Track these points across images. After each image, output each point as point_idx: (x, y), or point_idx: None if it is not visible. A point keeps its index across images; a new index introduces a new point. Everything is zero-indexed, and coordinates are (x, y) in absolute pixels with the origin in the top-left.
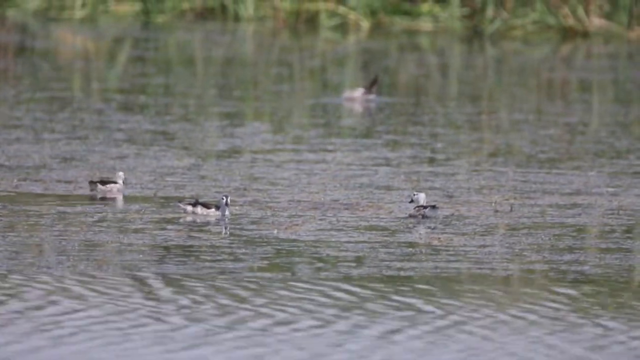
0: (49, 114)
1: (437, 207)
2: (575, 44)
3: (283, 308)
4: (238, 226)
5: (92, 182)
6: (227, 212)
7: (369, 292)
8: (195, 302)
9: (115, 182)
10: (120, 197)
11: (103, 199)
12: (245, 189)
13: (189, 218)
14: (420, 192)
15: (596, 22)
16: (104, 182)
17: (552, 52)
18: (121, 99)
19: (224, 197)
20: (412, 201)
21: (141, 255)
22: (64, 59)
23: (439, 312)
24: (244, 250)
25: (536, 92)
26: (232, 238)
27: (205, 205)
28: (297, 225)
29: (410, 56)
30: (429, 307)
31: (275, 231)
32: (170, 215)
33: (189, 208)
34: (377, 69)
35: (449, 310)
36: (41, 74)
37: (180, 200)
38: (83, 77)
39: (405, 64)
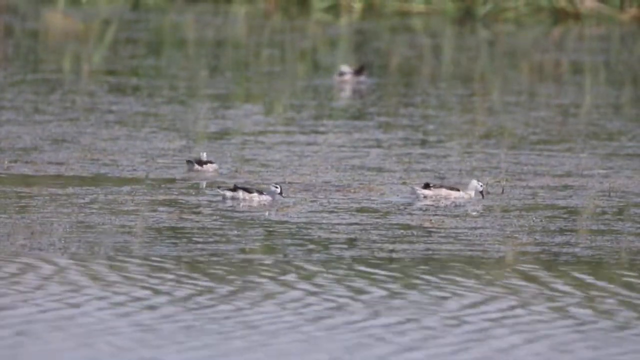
0: (40, 95)
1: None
2: (567, 25)
3: (274, 288)
4: (229, 208)
5: (189, 162)
6: (274, 197)
7: (360, 273)
8: (186, 283)
9: (212, 162)
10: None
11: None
12: (236, 171)
13: (229, 203)
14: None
15: (588, 3)
16: (201, 162)
17: (544, 34)
18: (112, 81)
19: (277, 186)
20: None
21: (133, 237)
22: (55, 41)
23: (430, 293)
24: (235, 232)
25: (528, 74)
26: (223, 220)
27: (247, 190)
28: (288, 207)
29: (402, 38)
30: (421, 289)
31: (267, 213)
32: (162, 197)
33: (228, 193)
34: (369, 52)
35: (441, 292)
36: (32, 55)
37: (219, 185)
38: (74, 59)
39: (397, 45)
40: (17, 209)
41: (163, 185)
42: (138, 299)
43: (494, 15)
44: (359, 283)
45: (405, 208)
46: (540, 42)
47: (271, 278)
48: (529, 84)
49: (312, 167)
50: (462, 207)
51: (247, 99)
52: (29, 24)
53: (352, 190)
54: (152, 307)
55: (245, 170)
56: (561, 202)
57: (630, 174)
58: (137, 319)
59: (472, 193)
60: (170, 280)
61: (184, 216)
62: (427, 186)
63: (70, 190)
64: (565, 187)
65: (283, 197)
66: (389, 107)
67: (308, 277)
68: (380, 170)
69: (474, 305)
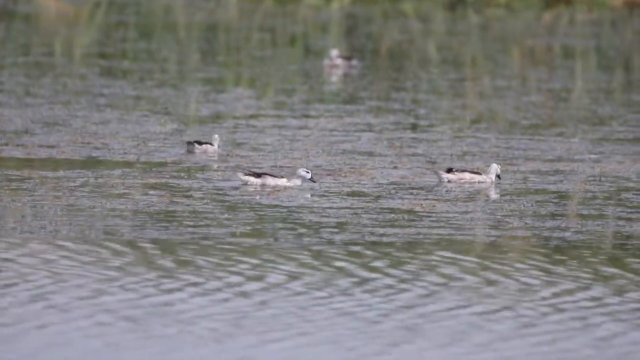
0: (32, 78)
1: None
2: (558, 10)
3: (265, 273)
4: (220, 191)
5: (189, 143)
6: (299, 182)
7: (351, 257)
8: (176, 266)
9: (210, 144)
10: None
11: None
12: (228, 155)
13: (254, 188)
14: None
15: None
16: (200, 143)
17: (535, 18)
18: (104, 64)
19: (308, 171)
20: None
21: (123, 220)
22: (46, 24)
23: (421, 276)
24: (226, 216)
25: (519, 59)
26: (214, 204)
27: (274, 176)
28: (279, 190)
29: (394, 23)
30: (411, 273)
31: (258, 197)
32: (153, 181)
33: (253, 179)
34: (360, 37)
35: (432, 276)
36: (23, 39)
37: (241, 171)
38: (65, 42)
39: (388, 30)
40: (7, 191)
41: (154, 169)
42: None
43: (485, 0)
44: (352, 267)
45: (397, 192)
46: (532, 26)
47: (264, 261)
48: (520, 69)
49: (303, 151)
50: (453, 191)
51: (239, 82)
52: (20, 7)
53: (343, 174)
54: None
55: (236, 154)
56: (552, 187)
57: (620, 159)
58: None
59: (493, 176)
60: (163, 261)
61: (175, 199)
62: (450, 170)
63: (61, 173)
64: (556, 171)
65: (314, 182)
66: (380, 91)
67: (299, 259)
68: (371, 154)
69: (464, 288)
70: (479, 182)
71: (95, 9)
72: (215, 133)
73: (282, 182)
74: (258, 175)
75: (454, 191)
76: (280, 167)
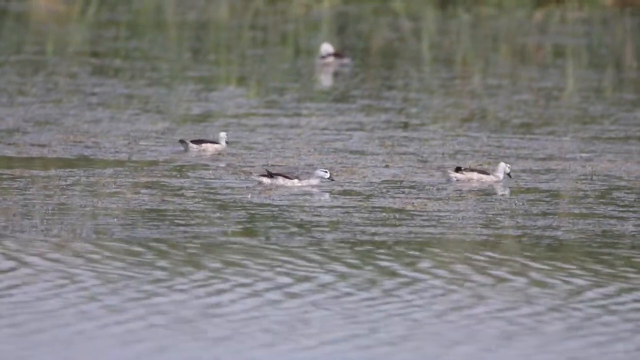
0: (23, 77)
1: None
2: (549, 9)
3: (258, 272)
4: (212, 190)
5: (182, 141)
6: (316, 182)
7: (342, 256)
8: (169, 265)
9: (214, 142)
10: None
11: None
12: (219, 154)
13: (269, 188)
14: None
15: None
16: (199, 142)
17: (526, 17)
18: (95, 63)
19: (326, 170)
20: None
21: (115, 219)
22: (37, 23)
23: (413, 276)
24: (218, 215)
25: (510, 57)
26: (206, 202)
27: (286, 176)
28: (270, 189)
29: (385, 21)
30: (403, 271)
31: (249, 195)
32: (144, 180)
33: (265, 179)
34: (351, 35)
35: (423, 274)
36: (15, 37)
37: (251, 173)
38: (57, 41)
39: (379, 28)
40: None
41: (146, 168)
42: (118, 279)
43: None
44: (344, 266)
45: (388, 191)
46: (523, 25)
47: (256, 260)
48: (511, 67)
49: (295, 150)
50: (445, 190)
51: (230, 81)
52: (11, 5)
53: (335, 173)
54: (134, 284)
55: (228, 153)
56: (543, 186)
57: (612, 158)
58: (117, 299)
59: (501, 175)
60: (155, 261)
61: (167, 198)
62: (458, 169)
63: (52, 172)
64: (548, 170)
65: (332, 181)
66: (372, 90)
67: (290, 258)
68: (362, 153)
69: (455, 288)
70: (485, 181)
71: (86, 7)
72: (221, 131)
73: (294, 182)
74: (271, 176)
75: (446, 190)
76: (272, 165)
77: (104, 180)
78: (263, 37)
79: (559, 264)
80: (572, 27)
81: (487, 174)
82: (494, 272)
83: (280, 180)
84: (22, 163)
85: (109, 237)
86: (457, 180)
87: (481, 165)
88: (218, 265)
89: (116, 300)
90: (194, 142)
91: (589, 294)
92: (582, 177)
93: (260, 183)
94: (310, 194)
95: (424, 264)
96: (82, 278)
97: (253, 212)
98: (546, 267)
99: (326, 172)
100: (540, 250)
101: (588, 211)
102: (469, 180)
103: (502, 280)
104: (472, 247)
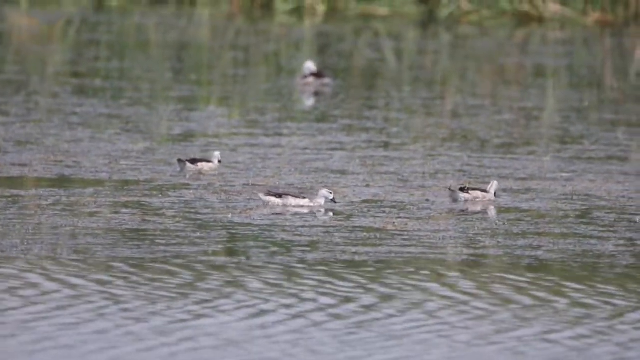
0: (4, 96)
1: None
2: (530, 29)
3: (237, 292)
4: (192, 210)
5: (180, 161)
6: (322, 202)
7: (323, 276)
8: (149, 285)
9: (208, 161)
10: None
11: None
12: (200, 173)
13: (278, 209)
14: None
15: (551, 7)
16: (194, 161)
17: (507, 37)
18: (76, 83)
19: (331, 192)
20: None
21: (95, 239)
22: (18, 42)
23: (392, 296)
24: (198, 234)
25: (491, 77)
26: (186, 222)
27: (295, 196)
28: (251, 209)
29: (366, 40)
30: (383, 291)
31: (230, 215)
32: (125, 199)
33: (275, 200)
34: (332, 55)
35: (403, 295)
36: None
37: (258, 191)
38: (38, 60)
39: (360, 48)
40: None
41: (126, 187)
42: (100, 299)
43: (457, 19)
44: (325, 286)
45: (369, 210)
46: (504, 45)
47: (236, 280)
48: (492, 87)
49: (276, 170)
50: (425, 210)
51: (211, 101)
52: None
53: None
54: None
55: (210, 174)
56: (524, 205)
57: (593, 177)
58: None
59: (493, 193)
60: (135, 280)
61: (147, 218)
62: (463, 189)
63: (33, 192)
64: (528, 190)
65: (335, 203)
66: (353, 109)
67: (271, 279)
68: (343, 172)
69: (437, 308)
70: (487, 199)
71: (67, 28)
72: (216, 150)
73: (305, 202)
74: (279, 196)
75: (427, 210)
76: (252, 185)
77: (84, 200)
78: (244, 57)
79: (540, 282)
80: (552, 47)
81: (487, 192)
82: (475, 292)
83: (291, 200)
84: (2, 182)
85: (89, 257)
86: (465, 200)
87: (470, 182)
88: (209, 285)
89: (100, 323)
90: (189, 161)
91: (572, 313)
92: (563, 196)
93: (267, 204)
94: (292, 214)
95: (406, 282)
96: (58, 296)
97: (233, 231)
98: (525, 285)
99: (330, 193)
100: (520, 271)
101: (568, 231)
102: (475, 199)
103: (480, 298)
104: (453, 266)
